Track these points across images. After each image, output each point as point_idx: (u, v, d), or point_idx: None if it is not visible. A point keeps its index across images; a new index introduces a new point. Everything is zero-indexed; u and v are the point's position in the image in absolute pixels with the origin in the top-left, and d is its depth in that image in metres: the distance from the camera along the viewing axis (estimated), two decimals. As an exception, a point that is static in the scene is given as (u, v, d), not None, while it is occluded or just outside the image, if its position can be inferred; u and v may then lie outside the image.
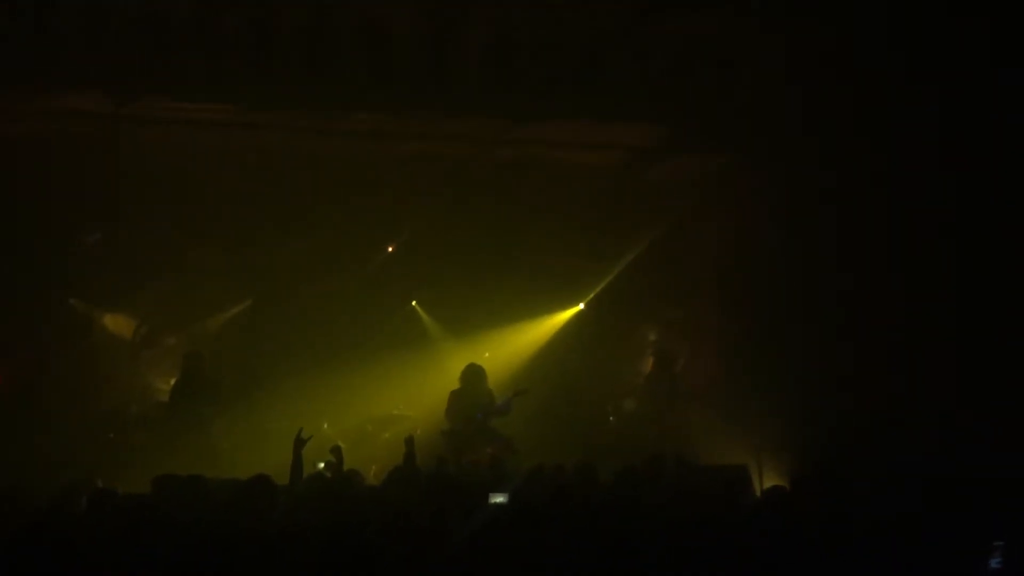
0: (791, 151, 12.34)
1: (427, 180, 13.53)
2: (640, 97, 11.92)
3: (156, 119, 11.76)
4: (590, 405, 14.49)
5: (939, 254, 11.33)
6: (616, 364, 15.22)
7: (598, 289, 15.01)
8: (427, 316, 15.03)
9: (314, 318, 14.07)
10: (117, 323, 14.04)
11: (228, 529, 6.56)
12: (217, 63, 10.87)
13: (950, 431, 10.49)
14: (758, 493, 9.75)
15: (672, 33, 11.76)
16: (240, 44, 10.91)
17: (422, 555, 6.31)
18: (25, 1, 10.41)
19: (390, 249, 14.78)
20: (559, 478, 8.56)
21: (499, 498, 7.62)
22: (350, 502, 7.68)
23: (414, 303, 15.03)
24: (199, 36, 10.84)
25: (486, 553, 6.44)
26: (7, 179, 12.26)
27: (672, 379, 13.86)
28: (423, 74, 11.33)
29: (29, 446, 11.51)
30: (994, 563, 6.52)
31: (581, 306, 15.25)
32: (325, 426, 12.62)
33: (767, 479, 11.10)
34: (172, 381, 12.71)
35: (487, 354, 13.87)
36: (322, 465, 9.71)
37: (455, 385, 12.56)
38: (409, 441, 9.68)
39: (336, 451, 9.20)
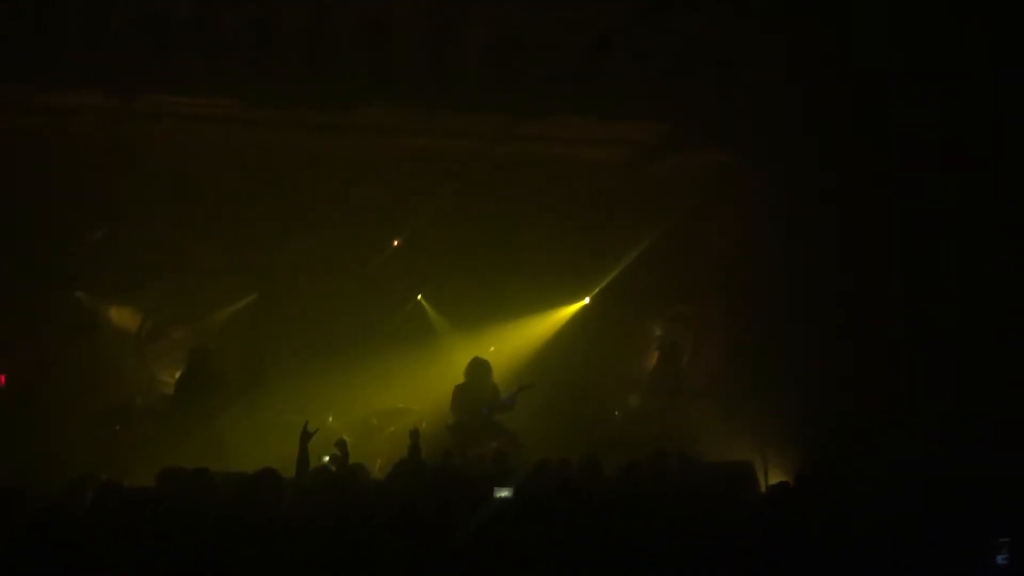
0: (792, 150, 12.34)
1: (429, 177, 13.55)
2: (642, 95, 11.91)
3: (157, 117, 11.77)
4: (594, 400, 14.53)
5: (939, 254, 11.32)
6: (621, 359, 15.24)
7: (603, 284, 15.04)
8: (432, 311, 15.06)
9: (319, 313, 14.10)
10: (122, 317, 14.07)
11: (234, 522, 6.58)
12: (217, 62, 10.85)
13: (950, 431, 10.49)
14: (763, 490, 9.77)
15: (673, 31, 11.75)
16: (240, 43, 10.88)
17: (427, 548, 6.33)
18: (25, 0, 10.42)
19: (395, 243, 14.81)
20: (563, 473, 8.57)
21: (504, 492, 7.63)
22: (355, 495, 7.71)
23: (419, 297, 15.07)
24: (199, 35, 10.83)
25: (491, 547, 6.45)
26: (9, 177, 12.29)
27: (677, 375, 13.87)
28: (424, 72, 11.31)
29: (34, 441, 11.55)
30: (1001, 559, 6.53)
31: (586, 301, 15.28)
32: (330, 419, 12.64)
33: (772, 476, 11.12)
34: (177, 375, 12.73)
35: (492, 348, 13.89)
36: (327, 458, 9.72)
37: (460, 379, 12.58)
38: (414, 434, 9.71)
39: (341, 444, 9.22)
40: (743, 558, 6.42)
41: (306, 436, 8.98)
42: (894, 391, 11.41)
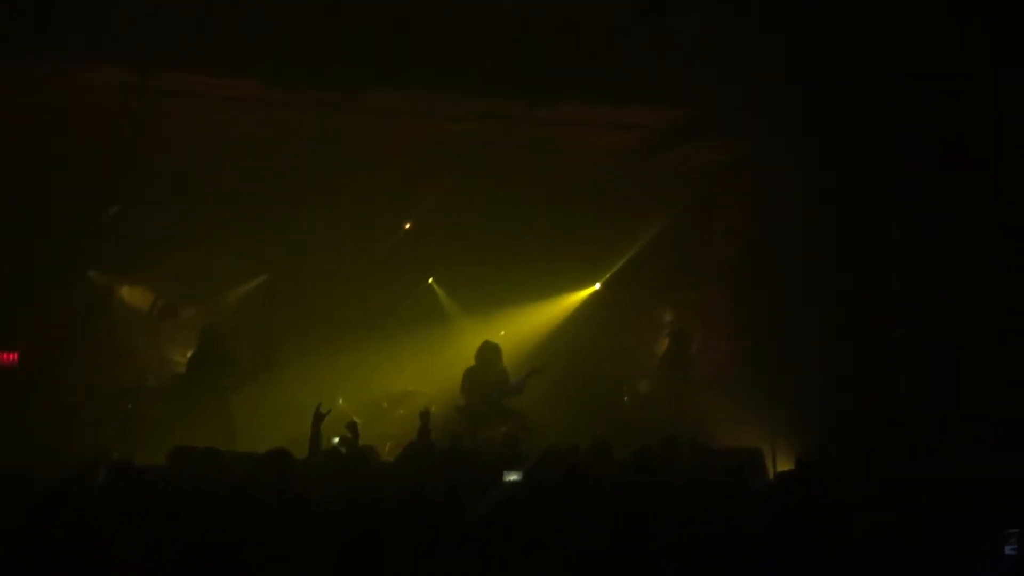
0: (800, 143, 12.37)
1: (442, 161, 13.53)
2: (657, 80, 11.91)
3: (171, 94, 11.76)
4: (604, 386, 14.54)
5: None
6: (630, 345, 15.25)
7: (614, 269, 15.04)
8: (443, 294, 15.07)
9: (331, 294, 14.11)
10: (135, 296, 14.10)
11: (244, 502, 6.60)
12: (233, 40, 10.87)
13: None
14: (771, 477, 9.78)
15: (687, 17, 11.75)
16: (257, 22, 10.91)
17: (436, 531, 6.35)
18: (44, -25, 10.43)
19: (407, 227, 14.82)
20: (572, 457, 8.58)
21: (513, 476, 7.64)
22: (365, 478, 7.73)
23: (431, 280, 15.08)
24: (218, 12, 10.85)
25: (499, 531, 6.47)
26: (23, 154, 12.30)
27: (686, 362, 13.87)
28: (438, 56, 11.32)
29: (47, 420, 11.60)
30: (1008, 550, 6.53)
31: (597, 286, 15.28)
32: (340, 401, 12.67)
33: (781, 463, 11.13)
34: (189, 354, 12.77)
35: (502, 332, 13.91)
36: (337, 440, 9.75)
37: (470, 362, 12.61)
38: (424, 415, 9.73)
39: (352, 427, 9.24)
40: (750, 544, 6.42)
41: (319, 417, 9.01)
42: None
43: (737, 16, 11.65)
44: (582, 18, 11.64)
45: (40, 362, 12.90)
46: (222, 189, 13.23)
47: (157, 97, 11.81)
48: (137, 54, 10.75)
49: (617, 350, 15.05)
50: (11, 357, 12.90)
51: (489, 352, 12.61)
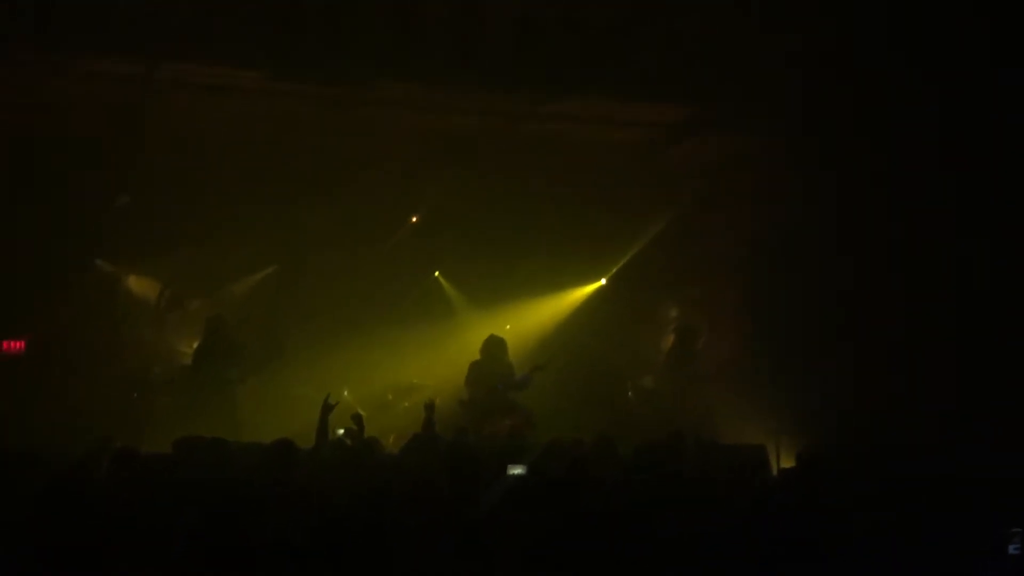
0: (802, 141, 12.40)
1: (448, 154, 13.52)
2: (661, 77, 11.92)
3: (177, 86, 11.78)
4: (608, 381, 14.54)
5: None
6: (635, 341, 15.26)
7: (620, 265, 15.05)
8: (449, 287, 15.08)
9: (338, 286, 14.11)
10: (142, 286, 14.12)
11: (249, 492, 6.61)
12: (240, 32, 10.88)
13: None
14: (775, 474, 9.79)
15: (695, 14, 11.76)
16: (265, 14, 10.93)
17: (439, 523, 6.36)
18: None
19: (413, 220, 14.83)
20: (576, 451, 8.59)
21: (517, 470, 7.66)
22: (370, 469, 7.75)
23: (437, 274, 15.09)
24: (226, 4, 10.87)
25: (502, 524, 6.48)
26: (30, 145, 12.32)
27: (692, 358, 13.88)
28: (445, 50, 11.33)
29: (53, 407, 11.63)
30: (1012, 549, 6.52)
31: (603, 281, 15.28)
32: (345, 393, 12.66)
33: (785, 460, 11.14)
34: (195, 345, 12.79)
35: (508, 327, 13.93)
36: (342, 432, 9.77)
37: (475, 356, 12.61)
38: (429, 406, 9.74)
39: (357, 419, 9.26)
40: (751, 542, 6.43)
41: (327, 408, 9.04)
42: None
43: (739, 14, 11.66)
44: (586, 15, 11.65)
45: (47, 350, 12.93)
46: (228, 182, 13.22)
47: (163, 89, 11.83)
48: (142, 46, 10.77)
49: (621, 346, 15.04)
50: (18, 345, 12.94)
51: (495, 346, 12.61)
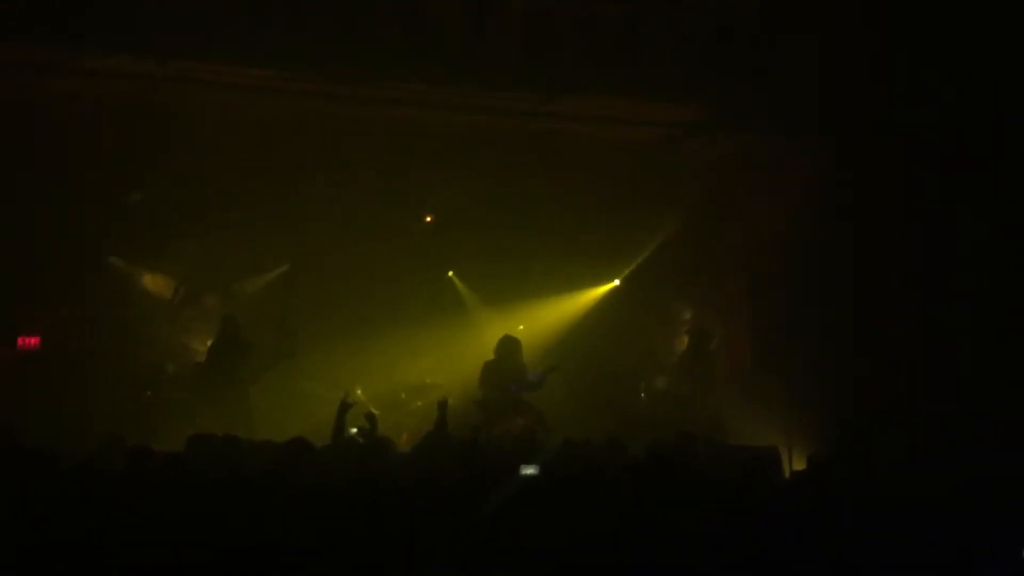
0: (817, 141, 12.39)
1: (461, 153, 13.53)
2: (675, 76, 11.92)
3: (191, 83, 11.81)
4: (621, 381, 14.54)
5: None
6: (648, 341, 15.25)
7: (633, 265, 15.04)
8: (463, 287, 15.09)
9: (351, 285, 14.13)
10: (156, 283, 14.16)
11: (261, 490, 6.63)
12: (252, 30, 10.92)
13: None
14: (787, 476, 9.77)
15: (709, 13, 11.75)
16: (279, 11, 10.96)
17: (451, 524, 6.37)
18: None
19: (428, 219, 14.84)
20: (587, 452, 8.58)
21: (530, 470, 7.66)
22: (382, 467, 7.75)
23: (450, 274, 15.10)
24: (244, 3, 10.91)
25: (512, 523, 6.48)
26: (43, 141, 12.34)
27: (706, 359, 13.86)
28: (458, 48, 11.34)
29: (67, 403, 11.68)
30: None
31: (616, 282, 15.28)
32: (359, 392, 12.70)
33: (797, 462, 11.12)
34: (209, 342, 12.82)
35: (521, 327, 13.93)
36: (355, 430, 9.78)
37: (488, 355, 12.61)
38: (442, 405, 9.72)
39: (371, 417, 9.27)
40: (761, 543, 6.42)
41: (345, 407, 9.07)
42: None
43: (750, 14, 11.65)
44: (599, 13, 11.64)
45: (61, 346, 12.98)
46: (242, 180, 13.26)
47: (177, 86, 11.86)
48: (155, 43, 10.80)
49: (635, 346, 15.04)
50: (33, 342, 12.99)
51: (510, 345, 12.58)
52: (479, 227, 14.42)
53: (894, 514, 6.76)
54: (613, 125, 13.46)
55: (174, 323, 13.98)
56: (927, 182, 11.51)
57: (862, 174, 12.18)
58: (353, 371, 13.05)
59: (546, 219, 14.39)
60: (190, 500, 6.43)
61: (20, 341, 12.96)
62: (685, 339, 14.38)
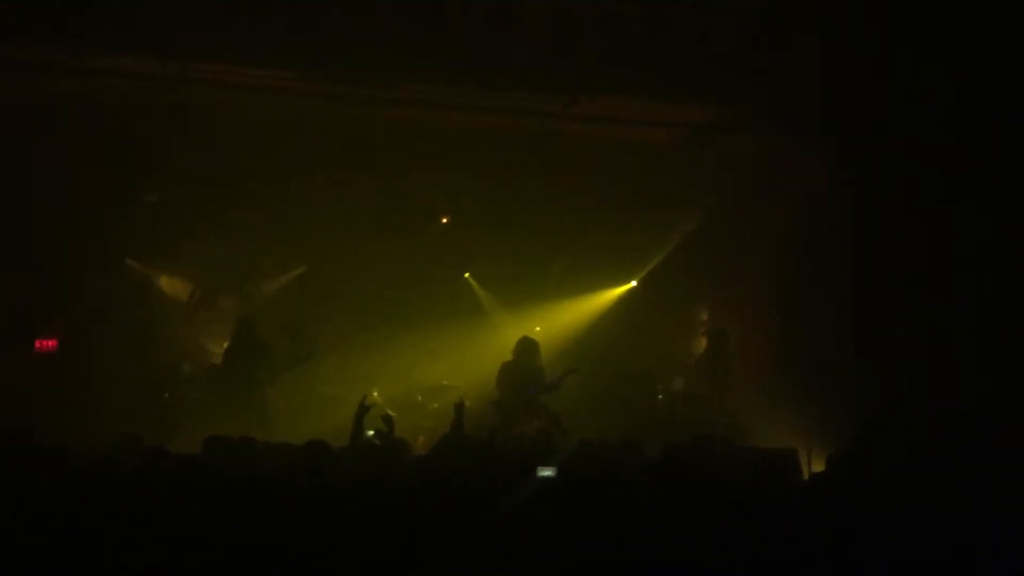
0: (835, 142, 12.35)
1: (480, 153, 13.52)
2: (695, 76, 11.89)
3: (196, 82, 11.83)
4: (639, 383, 14.50)
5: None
6: (666, 342, 15.21)
7: (651, 267, 15.01)
8: (479, 288, 15.08)
9: (368, 287, 14.14)
10: (173, 285, 14.20)
11: (278, 492, 6.62)
12: (256, 29, 10.93)
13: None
14: (805, 478, 9.72)
15: (732, 12, 11.73)
16: (293, 12, 10.97)
17: (468, 525, 6.35)
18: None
19: (444, 221, 14.84)
20: (603, 453, 8.55)
21: (547, 472, 7.63)
22: (399, 470, 7.73)
23: (467, 275, 15.09)
24: (251, 2, 10.92)
25: (528, 525, 6.46)
26: (60, 142, 12.37)
27: (725, 360, 13.81)
28: (477, 48, 11.33)
29: (84, 404, 11.70)
30: None
31: (633, 283, 15.25)
32: (375, 394, 12.70)
33: (816, 465, 11.06)
34: (225, 344, 12.84)
35: (538, 328, 13.90)
36: (371, 432, 9.77)
37: (506, 357, 12.59)
38: (459, 406, 9.69)
39: (387, 419, 9.25)
40: (767, 545, 6.39)
41: (363, 409, 9.05)
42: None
43: (771, 15, 11.63)
44: (619, 14, 11.62)
45: (79, 348, 13.02)
46: (260, 182, 13.28)
47: (192, 87, 11.87)
48: (155, 43, 10.82)
49: (652, 347, 15.00)
50: (50, 344, 13.03)
51: (528, 347, 12.57)
52: (496, 228, 14.41)
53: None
54: (634, 126, 13.43)
55: (190, 324, 14.01)
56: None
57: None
58: (370, 373, 13.05)
59: (564, 220, 14.37)
60: (206, 501, 6.41)
61: (37, 344, 13.00)
62: (703, 340, 14.34)
